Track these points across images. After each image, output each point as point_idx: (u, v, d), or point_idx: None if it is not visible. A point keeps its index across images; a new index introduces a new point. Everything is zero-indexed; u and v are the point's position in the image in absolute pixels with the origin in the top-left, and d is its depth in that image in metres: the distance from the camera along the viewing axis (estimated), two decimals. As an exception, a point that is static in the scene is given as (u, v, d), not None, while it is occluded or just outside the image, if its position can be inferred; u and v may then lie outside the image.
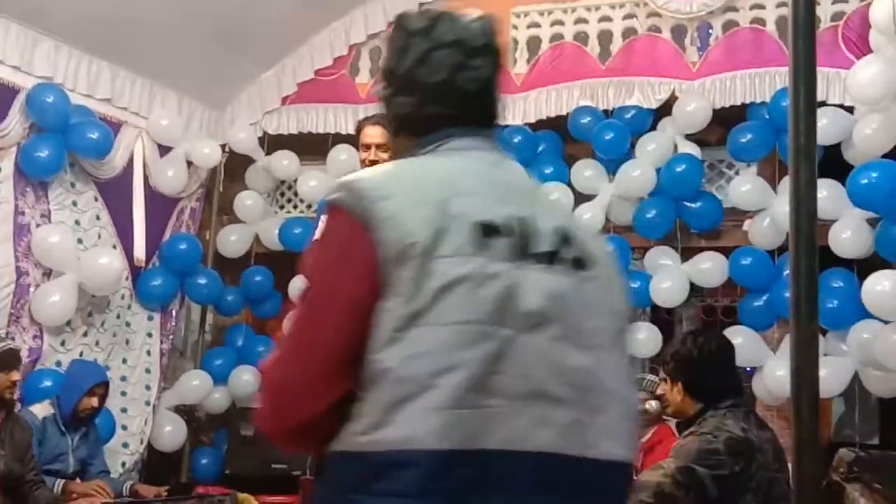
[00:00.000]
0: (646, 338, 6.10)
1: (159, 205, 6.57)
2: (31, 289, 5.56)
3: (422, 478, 1.31)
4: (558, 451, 1.39)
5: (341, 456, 1.36)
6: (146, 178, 6.44)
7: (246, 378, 6.54)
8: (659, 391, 4.57)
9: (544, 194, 1.62)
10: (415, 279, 1.35)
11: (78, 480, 4.90)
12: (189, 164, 6.70)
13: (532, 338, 1.40)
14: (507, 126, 6.45)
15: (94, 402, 5.02)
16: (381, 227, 1.36)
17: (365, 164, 4.16)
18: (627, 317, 1.60)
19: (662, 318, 7.06)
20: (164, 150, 6.57)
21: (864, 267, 5.36)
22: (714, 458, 2.87)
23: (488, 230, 1.41)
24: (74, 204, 5.94)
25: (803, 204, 1.76)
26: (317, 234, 1.53)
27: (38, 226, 5.63)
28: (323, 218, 1.51)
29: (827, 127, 5.45)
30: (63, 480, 4.74)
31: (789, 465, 1.84)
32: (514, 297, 1.39)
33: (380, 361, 1.33)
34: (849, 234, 5.38)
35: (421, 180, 1.46)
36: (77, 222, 5.93)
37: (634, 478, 2.68)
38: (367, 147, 4.12)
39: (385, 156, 4.11)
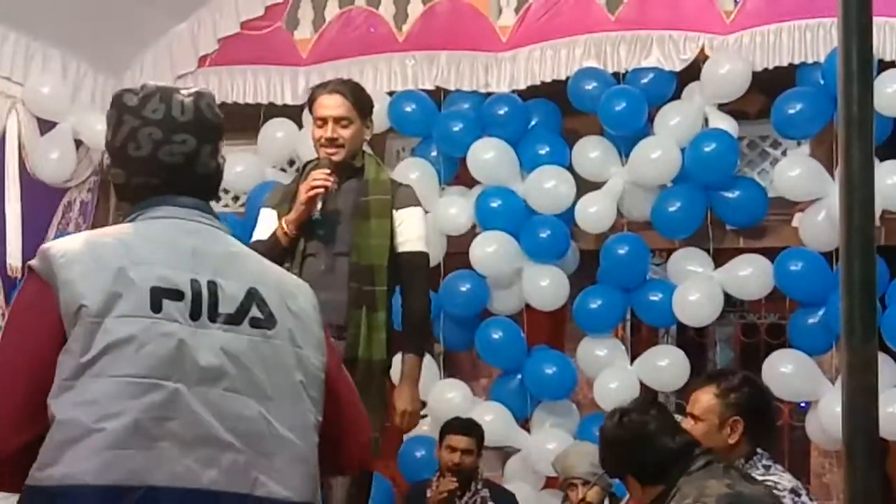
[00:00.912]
0: (669, 366, 6.12)
1: (40, 196, 6.54)
2: None
3: None
4: (224, 490, 1.97)
5: (24, 489, 1.92)
6: (22, 163, 6.41)
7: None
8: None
9: (243, 259, 2.19)
10: (86, 336, 1.90)
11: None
12: (78, 143, 6.68)
13: (204, 390, 1.98)
14: (490, 94, 6.48)
15: None
16: (61, 289, 1.93)
17: (320, 142, 4.18)
18: (315, 369, 2.16)
19: (692, 339, 7.09)
20: (45, 125, 6.55)
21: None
22: None
23: (166, 294, 1.98)
24: (-73, 196, 5.90)
25: (857, 190, 1.76)
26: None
27: None
28: None
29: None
30: None
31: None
32: (188, 354, 1.96)
33: (52, 407, 1.89)
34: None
35: (106, 249, 2.01)
36: (-69, 220, 5.89)
37: None
38: (324, 121, 4.16)
39: (346, 133, 4.16)
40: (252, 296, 2.10)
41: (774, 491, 3.46)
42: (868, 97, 1.80)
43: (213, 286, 2.05)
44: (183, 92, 2.18)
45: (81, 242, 2.05)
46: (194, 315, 2.01)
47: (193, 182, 2.16)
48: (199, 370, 1.99)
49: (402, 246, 4.22)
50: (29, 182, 6.43)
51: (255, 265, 2.20)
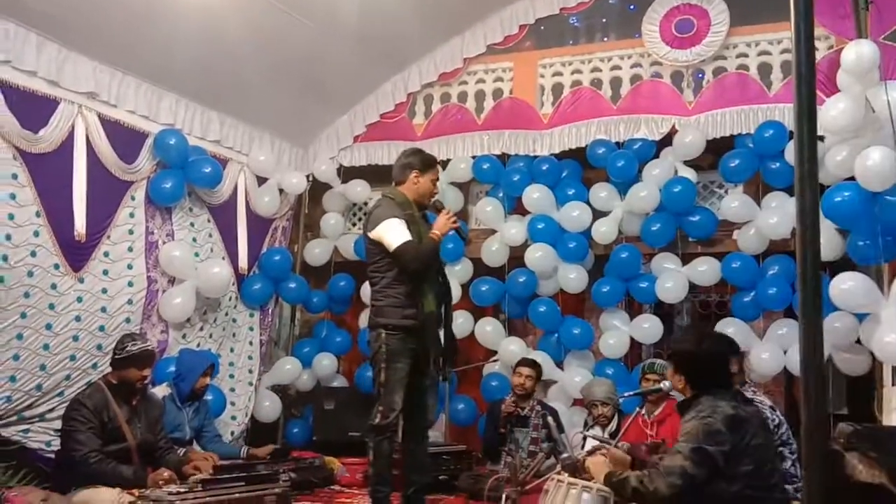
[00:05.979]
0: (650, 327, 6.04)
1: (258, 224, 6.61)
2: (159, 293, 5.63)
3: None
4: None
5: None
6: (247, 203, 6.48)
7: (326, 363, 6.66)
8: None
9: None
10: None
11: (195, 445, 4.94)
12: (281, 191, 6.73)
13: None
14: (536, 156, 6.45)
15: (207, 380, 5.02)
16: None
17: (435, 189, 4.38)
18: None
19: (665, 311, 6.98)
20: (261, 180, 6.61)
21: (835, 268, 5.23)
22: (718, 436, 2.83)
23: None
24: (192, 225, 5.99)
25: (808, 222, 1.72)
26: None
27: (164, 243, 5.70)
28: None
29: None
30: (185, 448, 4.77)
31: (801, 436, 1.77)
32: None
33: None
34: (822, 241, 5.26)
35: None
36: (194, 239, 5.98)
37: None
38: (438, 179, 4.47)
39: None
40: None
41: (761, 407, 3.46)
42: (814, 159, 1.77)
43: None
44: None
45: None
46: None
47: None
48: None
49: None
50: (251, 215, 6.51)
51: None
